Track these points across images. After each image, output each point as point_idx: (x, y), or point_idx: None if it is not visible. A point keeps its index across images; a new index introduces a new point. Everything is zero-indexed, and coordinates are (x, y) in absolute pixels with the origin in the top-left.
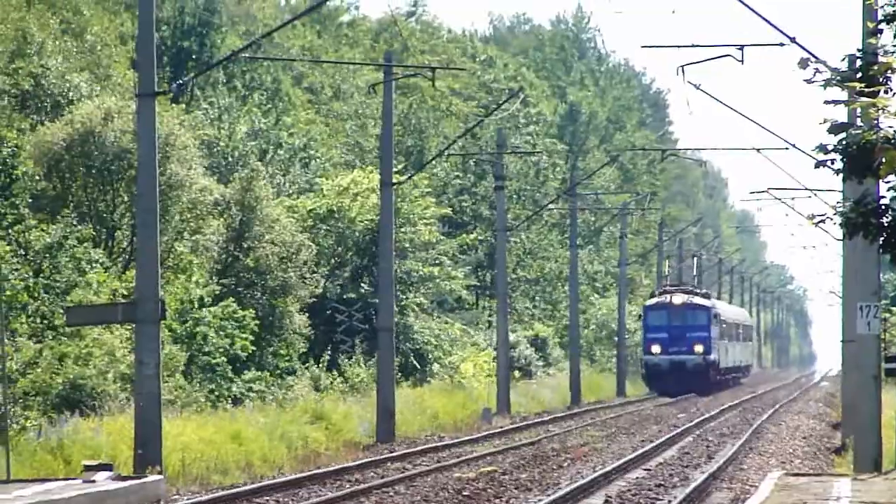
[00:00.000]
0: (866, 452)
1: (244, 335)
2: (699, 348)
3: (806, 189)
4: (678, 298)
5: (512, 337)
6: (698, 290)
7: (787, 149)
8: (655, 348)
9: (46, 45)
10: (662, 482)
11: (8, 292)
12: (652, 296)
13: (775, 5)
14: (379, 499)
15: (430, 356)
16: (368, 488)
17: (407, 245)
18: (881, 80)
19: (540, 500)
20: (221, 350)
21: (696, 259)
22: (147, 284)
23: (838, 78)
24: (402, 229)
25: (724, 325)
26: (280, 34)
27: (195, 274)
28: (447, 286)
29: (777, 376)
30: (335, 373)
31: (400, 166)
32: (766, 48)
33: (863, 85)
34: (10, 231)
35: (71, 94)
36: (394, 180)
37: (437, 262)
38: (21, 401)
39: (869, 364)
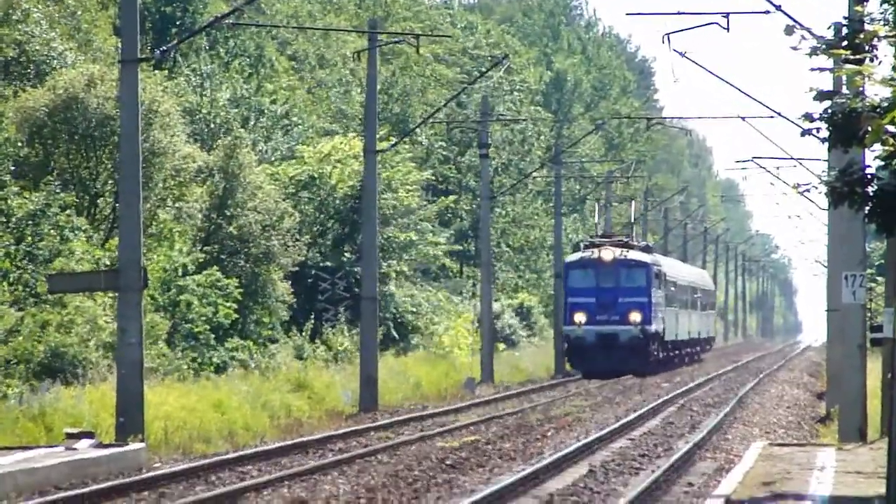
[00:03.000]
0: (851, 422)
1: (227, 303)
2: (635, 317)
3: (791, 158)
4: (608, 253)
5: (496, 306)
6: (635, 243)
7: (772, 117)
8: (579, 317)
9: (31, 11)
10: (646, 452)
11: None
12: (576, 249)
13: None
14: (362, 468)
15: (412, 325)
16: (351, 457)
17: (389, 212)
18: (867, 48)
19: (523, 470)
20: (204, 318)
21: (633, 203)
22: (129, 252)
23: (824, 46)
24: (384, 195)
25: (673, 289)
26: (265, 0)
27: (177, 242)
28: (429, 252)
29: (762, 345)
30: (318, 342)
31: (383, 131)
32: (752, 16)
33: (849, 53)
34: None
35: (55, 61)
36: (378, 148)
37: (417, 226)
38: (3, 368)
39: (854, 334)
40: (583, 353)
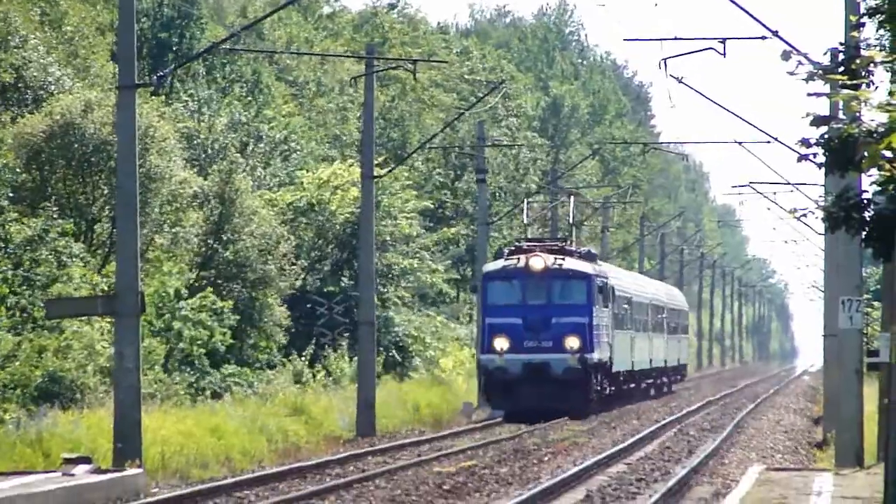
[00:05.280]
0: (848, 447)
1: (223, 328)
2: (573, 342)
3: (788, 183)
4: (538, 261)
5: None
6: (574, 249)
7: (769, 142)
8: (500, 342)
9: (29, 37)
10: (643, 476)
11: None
12: (498, 256)
13: None
14: (359, 492)
15: (411, 349)
16: (349, 482)
17: (388, 238)
18: (863, 73)
19: (520, 495)
20: (200, 343)
21: (571, 197)
22: (127, 277)
23: (821, 71)
24: (383, 222)
25: (626, 307)
26: (263, 26)
27: (170, 266)
28: (428, 280)
29: (758, 371)
30: (316, 366)
31: (381, 159)
32: (749, 41)
33: (845, 78)
34: None
35: (52, 87)
36: (375, 173)
37: (417, 255)
38: (0, 393)
39: (851, 359)
40: (505, 388)
